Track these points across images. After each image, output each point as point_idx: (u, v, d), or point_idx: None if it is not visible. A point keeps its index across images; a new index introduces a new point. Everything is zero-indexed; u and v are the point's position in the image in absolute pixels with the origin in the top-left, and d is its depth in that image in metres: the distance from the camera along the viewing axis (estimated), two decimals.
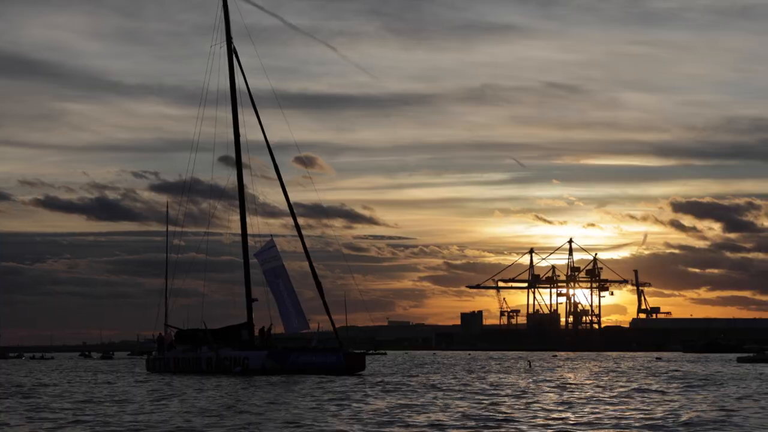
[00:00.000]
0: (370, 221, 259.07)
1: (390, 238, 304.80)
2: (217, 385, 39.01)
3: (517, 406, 27.06)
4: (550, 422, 22.49)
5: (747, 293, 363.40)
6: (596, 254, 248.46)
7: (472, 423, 22.24)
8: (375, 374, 51.29)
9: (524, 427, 21.32)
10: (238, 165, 57.55)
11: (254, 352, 51.82)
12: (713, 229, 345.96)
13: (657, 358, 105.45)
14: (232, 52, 57.63)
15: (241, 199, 57.06)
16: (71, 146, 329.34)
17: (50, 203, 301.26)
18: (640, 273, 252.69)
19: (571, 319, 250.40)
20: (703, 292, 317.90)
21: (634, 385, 39.00)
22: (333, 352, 51.41)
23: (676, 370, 58.47)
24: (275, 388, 36.04)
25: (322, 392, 33.57)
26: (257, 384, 39.48)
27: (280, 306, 52.86)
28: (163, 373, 55.11)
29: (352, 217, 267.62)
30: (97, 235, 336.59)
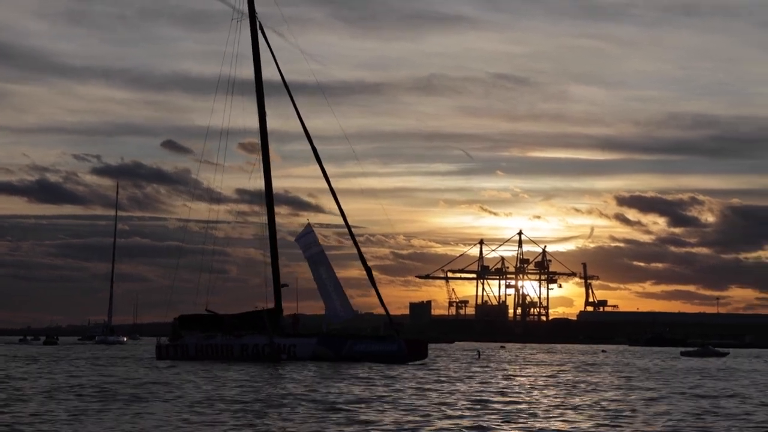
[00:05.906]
0: (316, 209, 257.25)
1: (336, 226, 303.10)
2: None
3: None
4: None
5: (691, 287, 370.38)
6: (545, 246, 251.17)
7: None
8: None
9: None
10: (264, 146, 56.49)
11: (302, 339, 50.59)
12: (658, 223, 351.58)
13: (603, 351, 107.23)
14: (258, 28, 55.78)
15: (267, 183, 56.09)
16: (13, 127, 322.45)
17: None
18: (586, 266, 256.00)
19: (519, 310, 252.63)
20: (648, 286, 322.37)
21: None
22: (390, 339, 50.39)
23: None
24: None
25: None
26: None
27: (322, 293, 51.63)
28: (182, 360, 52.01)
29: (297, 204, 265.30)
30: (39, 218, 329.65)
